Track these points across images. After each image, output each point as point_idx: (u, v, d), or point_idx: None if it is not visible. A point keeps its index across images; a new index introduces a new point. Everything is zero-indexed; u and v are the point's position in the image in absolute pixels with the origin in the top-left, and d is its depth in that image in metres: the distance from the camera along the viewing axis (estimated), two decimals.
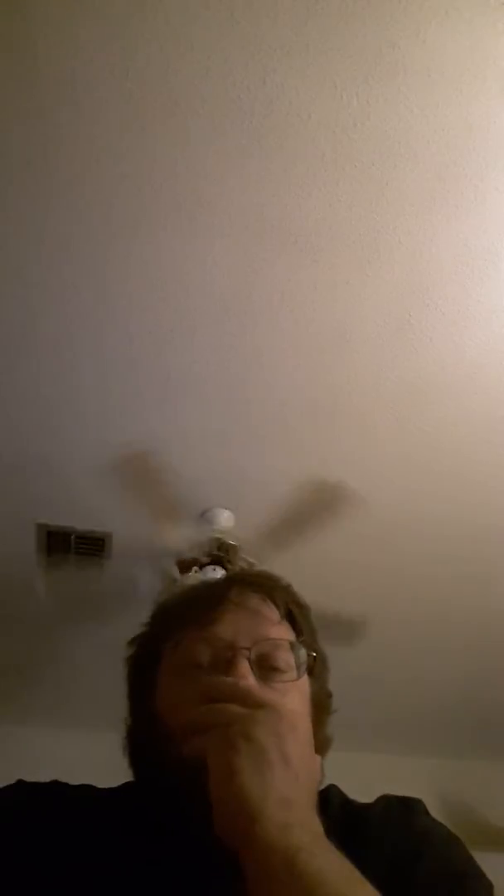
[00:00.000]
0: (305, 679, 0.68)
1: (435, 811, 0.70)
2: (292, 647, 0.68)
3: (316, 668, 0.70)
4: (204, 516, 2.29)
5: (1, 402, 2.02)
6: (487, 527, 2.39)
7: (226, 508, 2.29)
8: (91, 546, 2.44)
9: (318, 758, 0.63)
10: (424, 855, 0.61)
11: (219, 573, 2.19)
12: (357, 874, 0.46)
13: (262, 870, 0.46)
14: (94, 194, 1.56)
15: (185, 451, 2.14)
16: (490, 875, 0.63)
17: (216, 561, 2.20)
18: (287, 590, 0.74)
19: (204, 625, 0.66)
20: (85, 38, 1.33)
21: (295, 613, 0.72)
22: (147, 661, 0.70)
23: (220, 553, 2.21)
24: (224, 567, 2.20)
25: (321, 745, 0.67)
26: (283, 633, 0.69)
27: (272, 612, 0.70)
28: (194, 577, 2.16)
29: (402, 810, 0.68)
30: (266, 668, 0.65)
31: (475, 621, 2.77)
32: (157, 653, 0.69)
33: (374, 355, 1.89)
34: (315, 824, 0.50)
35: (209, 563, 2.19)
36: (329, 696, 0.72)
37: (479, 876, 0.63)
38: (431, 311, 1.79)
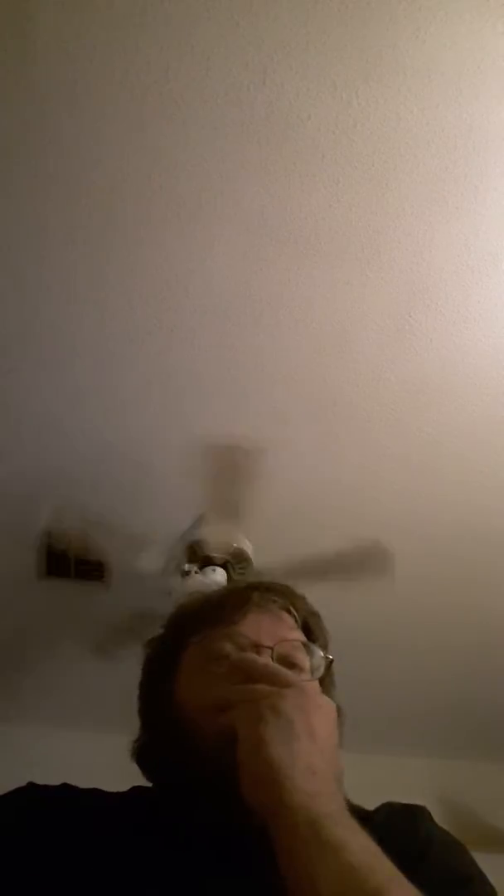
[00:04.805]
0: (318, 684, 0.70)
1: (435, 812, 0.71)
2: (309, 649, 0.71)
3: (326, 679, 0.73)
4: (203, 517, 2.29)
5: (2, 402, 2.02)
6: (487, 528, 2.39)
7: None
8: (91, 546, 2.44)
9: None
10: (427, 859, 0.62)
11: (218, 573, 2.19)
12: (377, 847, 0.48)
13: (288, 835, 0.48)
14: (95, 195, 1.56)
15: (184, 451, 2.14)
16: (491, 876, 0.63)
17: (207, 563, 2.20)
18: (303, 599, 0.78)
19: (228, 623, 0.70)
20: (85, 39, 1.33)
21: (310, 622, 0.76)
22: (167, 659, 0.73)
23: (209, 553, 2.21)
24: (218, 565, 2.20)
25: None
26: (301, 637, 0.73)
27: (291, 619, 0.74)
28: (196, 579, 2.16)
29: (406, 817, 0.69)
30: (286, 666, 0.67)
31: (475, 622, 2.77)
32: (178, 651, 0.72)
33: (373, 356, 1.89)
34: (338, 796, 0.53)
35: (206, 566, 2.19)
36: (339, 708, 0.74)
37: (482, 880, 0.63)
38: (431, 312, 1.79)
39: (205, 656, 0.68)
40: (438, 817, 0.70)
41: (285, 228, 1.62)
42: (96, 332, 1.84)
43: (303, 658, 0.70)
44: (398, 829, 0.66)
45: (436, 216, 1.59)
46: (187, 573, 2.20)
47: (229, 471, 2.13)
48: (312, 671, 0.70)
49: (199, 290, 1.75)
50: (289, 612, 0.74)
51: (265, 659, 0.64)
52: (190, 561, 2.21)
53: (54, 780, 0.70)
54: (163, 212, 1.59)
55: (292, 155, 1.49)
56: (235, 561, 2.23)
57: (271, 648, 0.67)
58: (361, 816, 0.67)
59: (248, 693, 0.58)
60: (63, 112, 1.43)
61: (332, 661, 0.73)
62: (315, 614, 0.78)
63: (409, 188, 1.55)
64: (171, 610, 0.80)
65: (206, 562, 2.21)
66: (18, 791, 0.67)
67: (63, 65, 1.36)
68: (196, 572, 2.19)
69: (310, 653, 0.71)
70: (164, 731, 0.68)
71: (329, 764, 0.55)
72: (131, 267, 1.70)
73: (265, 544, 2.30)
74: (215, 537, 2.22)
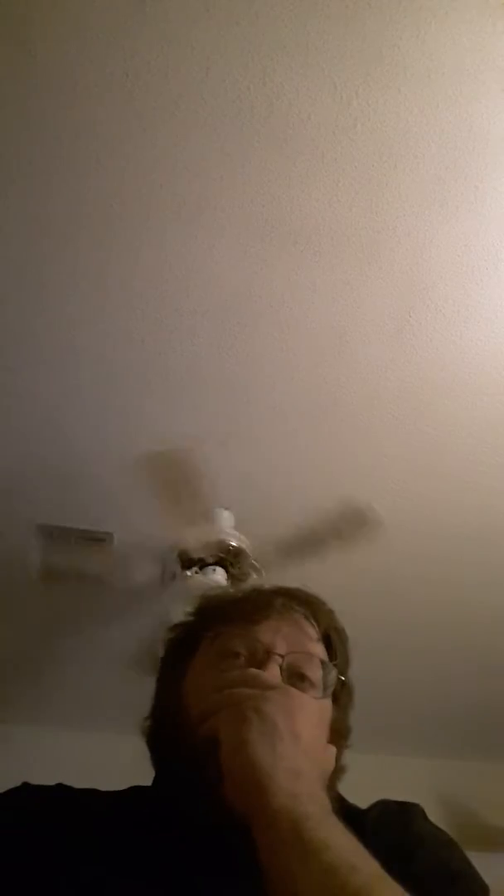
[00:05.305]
0: (329, 702, 0.69)
1: (434, 812, 0.71)
2: (324, 665, 0.69)
3: (342, 697, 0.72)
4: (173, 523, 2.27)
5: (1, 402, 2.02)
6: (488, 528, 2.39)
7: (225, 509, 2.28)
8: (92, 546, 2.44)
9: (331, 747, 0.64)
10: (418, 856, 0.62)
11: (219, 574, 2.18)
12: (361, 847, 0.48)
13: (270, 836, 0.48)
14: (95, 195, 1.56)
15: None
16: (489, 876, 0.63)
17: (219, 563, 2.19)
18: (330, 614, 0.77)
19: (246, 625, 0.69)
20: (85, 39, 1.33)
21: (333, 638, 0.74)
22: (183, 648, 0.73)
23: (226, 556, 2.20)
24: (226, 570, 2.19)
25: (336, 772, 0.68)
26: (319, 651, 0.71)
27: (312, 630, 0.72)
28: (194, 577, 2.16)
29: (399, 814, 0.68)
30: (295, 677, 0.67)
31: (475, 622, 2.77)
32: (195, 641, 0.72)
33: (374, 356, 1.89)
34: (322, 797, 0.52)
35: (211, 564, 2.18)
36: (349, 729, 0.73)
37: (475, 877, 0.63)
38: (431, 311, 1.79)
39: (216, 653, 0.68)
40: (438, 817, 0.70)
41: (285, 228, 1.62)
42: (96, 332, 1.84)
43: (314, 672, 0.68)
44: (391, 826, 0.65)
45: (436, 216, 1.59)
46: (191, 565, 2.19)
47: (176, 475, 2.10)
48: (324, 688, 0.68)
49: (199, 290, 1.74)
50: (310, 622, 0.72)
51: (257, 670, 0.63)
52: (184, 567, 2.20)
53: (53, 781, 0.70)
54: (162, 212, 1.59)
55: (292, 155, 1.49)
56: (228, 557, 2.22)
57: (282, 656, 0.66)
58: (354, 814, 0.67)
59: (231, 697, 0.58)
60: (63, 112, 1.43)
61: (344, 681, 0.71)
62: (339, 630, 0.76)
63: (409, 188, 1.55)
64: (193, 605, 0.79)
65: (217, 562, 2.20)
66: (12, 791, 0.67)
67: (63, 65, 1.36)
68: (196, 573, 2.19)
69: (325, 669, 0.69)
70: (166, 717, 0.68)
71: (313, 765, 0.55)
72: (131, 267, 1.70)
73: (263, 542, 2.30)
74: (197, 540, 2.20)
